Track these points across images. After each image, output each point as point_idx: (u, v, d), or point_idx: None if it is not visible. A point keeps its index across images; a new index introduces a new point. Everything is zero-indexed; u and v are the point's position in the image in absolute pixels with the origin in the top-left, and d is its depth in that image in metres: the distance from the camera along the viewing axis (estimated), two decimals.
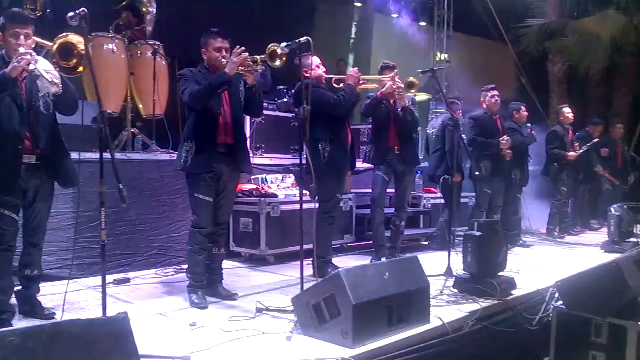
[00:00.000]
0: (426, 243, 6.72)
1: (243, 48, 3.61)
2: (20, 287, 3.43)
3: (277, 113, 6.71)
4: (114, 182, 2.68)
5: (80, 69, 3.02)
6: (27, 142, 3.18)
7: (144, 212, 4.99)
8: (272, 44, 3.59)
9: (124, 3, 5.92)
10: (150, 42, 5.75)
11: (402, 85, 4.95)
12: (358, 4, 10.48)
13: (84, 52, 2.94)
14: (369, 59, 10.54)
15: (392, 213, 5.53)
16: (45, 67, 3.02)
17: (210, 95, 3.69)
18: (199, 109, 3.76)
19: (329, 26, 9.68)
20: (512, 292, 4.09)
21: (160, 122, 5.83)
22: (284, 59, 3.60)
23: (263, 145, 6.39)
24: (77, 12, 2.60)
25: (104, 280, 2.72)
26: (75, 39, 3.00)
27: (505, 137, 6.09)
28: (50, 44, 3.07)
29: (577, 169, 7.78)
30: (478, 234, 3.99)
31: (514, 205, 6.71)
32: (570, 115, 7.65)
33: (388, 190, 5.48)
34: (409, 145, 5.29)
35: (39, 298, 3.51)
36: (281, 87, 7.23)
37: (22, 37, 3.08)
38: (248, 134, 6.07)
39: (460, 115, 6.49)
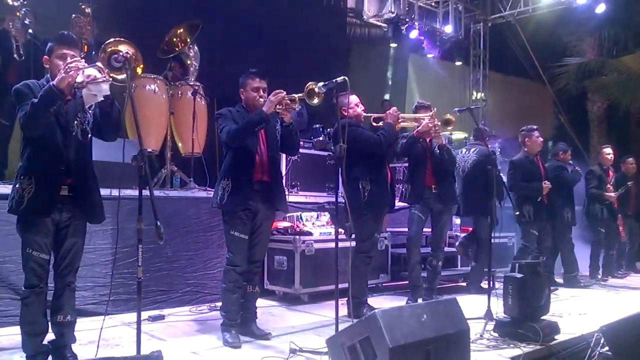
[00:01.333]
0: (463, 284, 6.56)
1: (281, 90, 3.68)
2: (53, 337, 3.21)
3: (312, 151, 6.75)
4: (151, 219, 2.71)
5: (139, 70, 2.92)
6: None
7: (180, 248, 5.02)
8: (309, 83, 3.63)
9: (172, 55, 6.13)
10: (191, 83, 5.89)
11: (439, 123, 4.93)
12: (393, 45, 10.58)
13: (133, 58, 2.84)
14: (403, 98, 10.58)
15: (428, 252, 5.44)
16: (92, 73, 2.87)
17: (248, 134, 3.74)
18: (236, 147, 3.81)
19: (364, 66, 9.79)
20: (555, 337, 3.93)
21: (198, 160, 5.92)
22: (321, 96, 3.63)
23: (298, 183, 6.41)
24: (122, 53, 2.68)
25: (139, 317, 2.73)
26: (124, 47, 2.90)
27: (546, 182, 6.01)
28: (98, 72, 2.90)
29: (612, 210, 7.52)
30: (519, 275, 3.88)
31: (568, 246, 6.62)
32: (610, 157, 7.50)
33: (424, 230, 5.40)
34: (445, 184, 5.22)
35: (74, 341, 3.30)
36: (317, 125, 7.29)
37: (68, 59, 2.96)
38: (284, 171, 6.11)
39: (497, 147, 6.42)
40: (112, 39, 2.93)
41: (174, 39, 6.14)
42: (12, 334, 3.83)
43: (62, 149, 3.01)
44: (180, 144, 6.06)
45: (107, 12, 5.94)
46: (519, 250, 6.25)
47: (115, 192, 4.07)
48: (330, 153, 6.61)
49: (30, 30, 5.11)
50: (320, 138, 7.15)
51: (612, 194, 7.29)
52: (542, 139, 6.17)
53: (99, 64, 2.83)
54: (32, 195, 2.94)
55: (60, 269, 3.14)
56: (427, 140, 5.09)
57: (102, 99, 2.89)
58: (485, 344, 3.74)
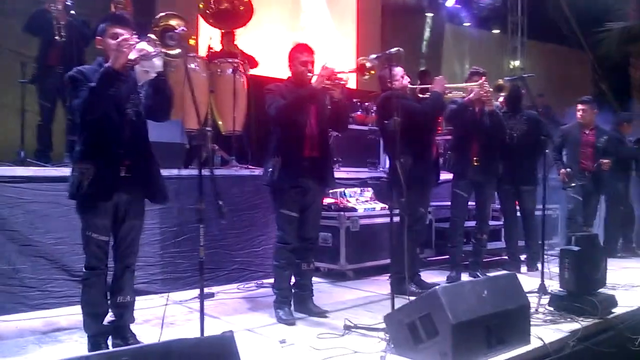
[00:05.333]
0: (506, 257, 6.46)
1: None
2: (112, 318, 3.22)
3: (352, 126, 6.65)
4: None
5: (192, 41, 2.88)
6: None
7: (226, 227, 5.01)
8: (361, 58, 3.56)
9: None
10: (230, 60, 5.82)
11: (491, 90, 4.79)
12: (429, 14, 10.36)
13: (185, 34, 2.75)
14: (439, 68, 10.37)
15: (472, 226, 5.36)
16: (144, 47, 2.83)
17: (297, 109, 3.69)
18: (285, 123, 3.76)
19: (399, 37, 9.58)
20: (613, 310, 3.86)
21: (239, 138, 5.89)
22: (372, 72, 3.55)
23: (340, 159, 6.34)
24: (176, 30, 2.63)
25: (201, 296, 2.73)
26: (175, 22, 2.82)
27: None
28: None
29: None
30: (576, 248, 3.78)
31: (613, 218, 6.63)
32: None
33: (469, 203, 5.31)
34: (490, 156, 5.09)
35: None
36: (355, 99, 7.19)
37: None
38: None
39: None
40: (163, 13, 2.85)
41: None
42: (69, 314, 3.91)
43: (117, 131, 2.99)
44: (220, 122, 5.99)
45: None
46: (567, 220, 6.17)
47: (164, 172, 4.07)
48: (371, 127, 6.52)
49: (72, 12, 5.10)
50: (359, 112, 7.06)
51: None
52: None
53: (151, 35, 2.77)
54: (92, 179, 2.94)
55: (120, 250, 3.15)
56: (477, 110, 4.95)
57: (155, 74, 2.85)
58: (542, 319, 3.67)
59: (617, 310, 3.88)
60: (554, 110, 8.18)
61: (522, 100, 5.69)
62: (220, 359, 1.94)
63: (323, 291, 4.83)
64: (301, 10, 9.03)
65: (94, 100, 2.82)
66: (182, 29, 2.62)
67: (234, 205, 5.12)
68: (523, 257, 5.78)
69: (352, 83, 7.57)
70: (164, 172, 4.18)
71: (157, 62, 2.80)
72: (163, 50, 2.73)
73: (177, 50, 2.74)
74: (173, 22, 2.72)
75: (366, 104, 7.17)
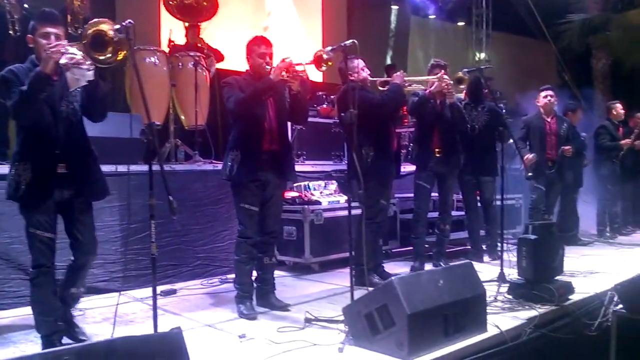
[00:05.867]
0: (469, 247, 6.54)
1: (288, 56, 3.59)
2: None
3: (317, 119, 6.66)
4: (161, 194, 2.67)
5: (121, 55, 2.72)
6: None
7: (188, 222, 4.98)
8: (318, 50, 3.54)
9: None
10: (191, 54, 5.76)
11: (451, 82, 4.82)
12: (394, 7, 10.40)
13: (116, 39, 2.67)
14: (405, 61, 10.42)
15: (436, 217, 5.41)
16: (76, 55, 2.76)
17: (255, 101, 3.66)
18: (243, 116, 3.73)
19: (365, 30, 9.59)
20: (570, 297, 3.92)
21: (202, 133, 5.84)
22: (330, 63, 3.54)
23: (304, 152, 6.34)
24: (124, 23, 2.58)
25: (154, 293, 2.70)
26: (106, 27, 2.71)
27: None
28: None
29: (624, 165, 7.47)
30: (533, 237, 3.84)
31: (569, 206, 6.70)
32: (622, 112, 7.47)
33: (432, 194, 5.35)
34: (451, 148, 5.14)
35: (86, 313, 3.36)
36: (320, 92, 7.18)
37: (52, 37, 2.89)
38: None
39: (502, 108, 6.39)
40: (91, 21, 2.76)
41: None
42: (25, 315, 3.82)
43: (53, 131, 2.94)
44: (183, 117, 5.94)
45: None
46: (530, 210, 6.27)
47: (121, 168, 4.01)
48: (335, 120, 6.52)
49: (25, 5, 4.97)
50: (324, 105, 7.05)
51: (628, 140, 7.29)
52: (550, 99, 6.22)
53: (80, 52, 2.71)
54: (30, 180, 2.90)
55: (78, 248, 3.13)
56: (438, 102, 4.99)
57: (86, 83, 2.79)
58: (500, 307, 3.72)
59: (574, 297, 3.95)
60: (504, 95, 8.26)
61: (483, 91, 5.74)
62: (168, 356, 1.91)
63: (287, 285, 4.82)
64: (266, 3, 8.97)
65: (25, 106, 2.77)
66: (129, 21, 2.56)
67: (197, 201, 5.09)
68: (485, 246, 5.85)
69: (318, 76, 7.60)
70: (123, 168, 4.15)
71: (88, 73, 2.74)
72: (95, 56, 2.67)
73: (108, 55, 2.67)
74: (104, 27, 2.66)
75: (332, 96, 7.16)
